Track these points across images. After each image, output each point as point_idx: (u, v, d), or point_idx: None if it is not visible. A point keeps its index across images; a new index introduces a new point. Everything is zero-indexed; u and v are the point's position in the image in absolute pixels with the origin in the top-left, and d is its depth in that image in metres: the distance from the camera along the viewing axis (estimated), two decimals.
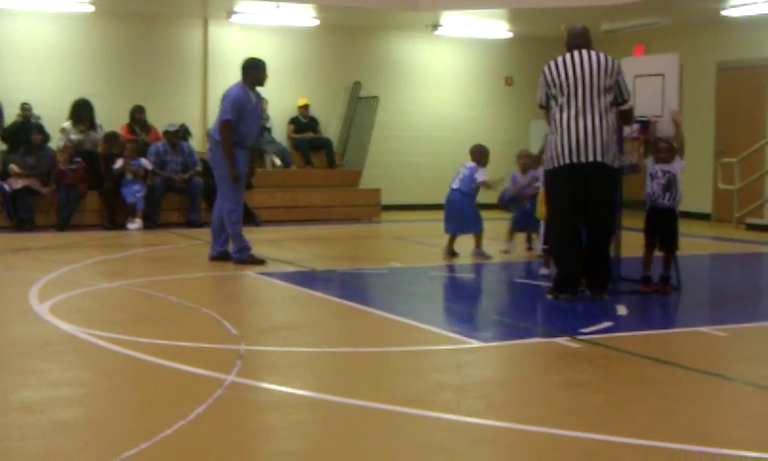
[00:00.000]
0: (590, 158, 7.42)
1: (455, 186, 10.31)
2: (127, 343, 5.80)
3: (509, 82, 18.40)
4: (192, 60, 15.96)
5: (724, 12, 14.52)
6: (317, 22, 16.19)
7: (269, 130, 15.67)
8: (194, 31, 15.96)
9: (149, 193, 13.48)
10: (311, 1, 14.74)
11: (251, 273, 8.97)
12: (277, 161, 15.68)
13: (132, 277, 8.66)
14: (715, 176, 15.30)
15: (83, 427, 4.27)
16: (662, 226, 8.07)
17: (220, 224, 9.69)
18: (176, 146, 14.04)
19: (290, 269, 9.33)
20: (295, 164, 16.01)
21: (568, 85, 7.49)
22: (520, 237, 10.70)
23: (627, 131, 8.09)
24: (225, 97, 9.49)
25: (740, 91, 15.63)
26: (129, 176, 13.41)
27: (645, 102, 8.13)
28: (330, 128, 16.89)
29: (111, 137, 13.75)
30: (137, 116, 14.56)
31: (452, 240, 10.27)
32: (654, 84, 8.26)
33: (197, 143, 15.20)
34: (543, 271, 8.91)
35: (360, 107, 16.77)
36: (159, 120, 14.62)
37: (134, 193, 13.34)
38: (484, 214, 10.28)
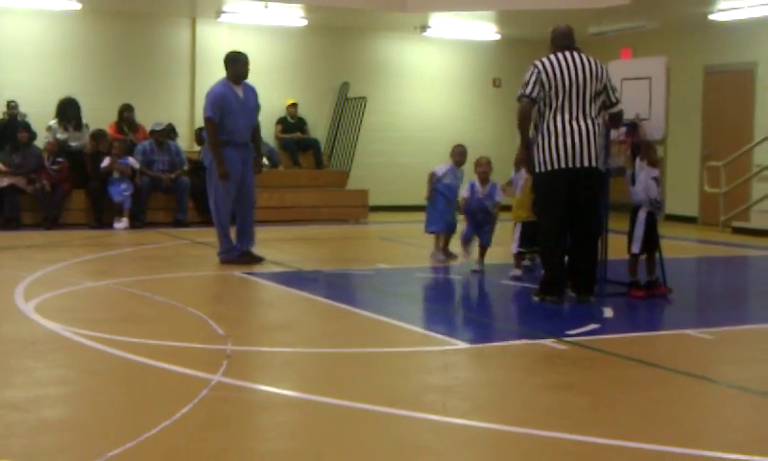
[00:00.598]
0: (585, 164, 7.46)
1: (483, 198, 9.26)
2: (112, 342, 5.78)
3: (497, 83, 18.43)
4: (180, 60, 15.94)
5: (711, 16, 14.58)
6: (305, 22, 16.19)
7: None
8: (182, 30, 15.94)
9: (136, 192, 13.45)
10: (299, 1, 14.74)
11: (238, 273, 8.95)
12: (265, 161, 15.66)
13: (118, 276, 8.63)
14: (701, 179, 15.36)
15: (67, 426, 4.25)
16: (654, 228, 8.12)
17: (238, 220, 9.62)
18: (163, 145, 14.02)
19: (277, 269, 9.32)
20: (282, 164, 16.00)
21: (564, 88, 7.47)
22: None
23: (614, 134, 8.11)
24: (207, 95, 9.45)
25: (727, 95, 15.69)
26: (116, 175, 13.38)
27: (632, 105, 8.15)
28: (318, 128, 16.89)
29: (99, 136, 13.71)
30: (125, 115, 14.53)
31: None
32: (641, 87, 8.28)
33: (184, 143, 15.19)
34: (516, 272, 8.93)
35: (348, 107, 16.77)
36: (147, 119, 14.59)
37: (121, 192, 13.31)
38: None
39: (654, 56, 9.37)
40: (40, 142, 13.67)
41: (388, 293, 8.32)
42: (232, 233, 9.65)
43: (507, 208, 9.43)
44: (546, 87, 7.50)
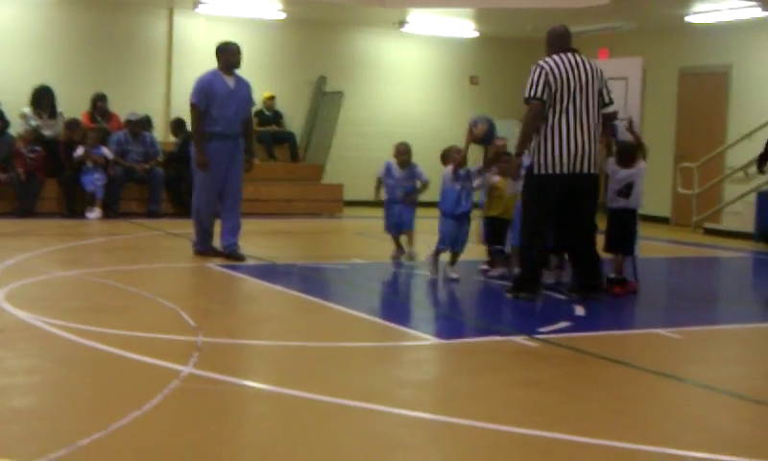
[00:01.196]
0: (585, 170, 7.50)
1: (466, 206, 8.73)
2: (83, 332, 5.75)
3: (474, 81, 18.47)
4: (156, 50, 15.86)
5: (687, 18, 14.68)
6: (283, 15, 16.15)
7: None
8: (159, 20, 15.85)
9: (109, 182, 13.37)
10: None
11: (211, 265, 8.93)
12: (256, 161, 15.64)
13: (89, 266, 8.59)
14: (675, 180, 15.47)
15: (37, 416, 4.23)
16: (624, 228, 8.18)
17: (224, 214, 9.42)
18: (137, 136, 13.96)
19: (251, 262, 9.30)
20: (257, 157, 15.94)
21: (569, 91, 7.43)
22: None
23: None
24: (195, 82, 9.31)
25: (701, 97, 15.81)
26: (89, 164, 13.30)
27: None
28: (294, 122, 16.86)
29: (73, 124, 13.63)
30: (99, 104, 14.44)
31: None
32: (617, 87, 8.33)
33: (159, 134, 15.11)
34: (496, 271, 8.89)
35: (325, 101, 16.75)
36: (122, 109, 14.51)
37: (94, 181, 13.23)
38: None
39: (630, 56, 9.42)
40: (13, 130, 13.56)
41: (362, 288, 8.32)
42: (217, 228, 9.45)
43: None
44: (552, 89, 7.42)
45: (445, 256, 8.70)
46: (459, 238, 8.58)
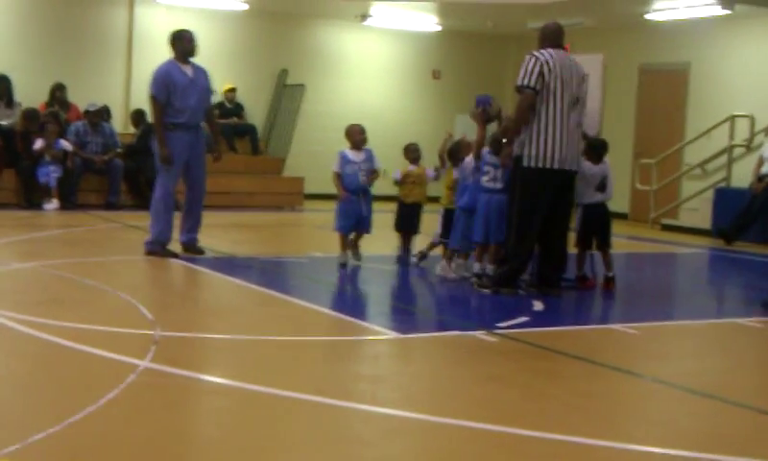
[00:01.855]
0: (570, 166, 7.64)
1: (499, 186, 8.02)
2: (38, 325, 5.68)
3: (436, 75, 18.50)
4: (116, 40, 15.70)
5: (647, 16, 14.81)
6: (245, 7, 16.07)
7: None
8: (119, 10, 15.70)
9: (67, 173, 13.22)
10: None
11: (170, 258, 8.84)
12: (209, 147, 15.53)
13: (46, 258, 8.49)
14: (633, 176, 15.61)
15: None
16: (603, 223, 8.30)
17: (186, 207, 9.19)
18: (97, 127, 13.82)
19: (210, 255, 9.24)
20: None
21: (561, 86, 7.51)
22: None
23: None
24: (152, 74, 9.04)
25: (660, 94, 15.97)
26: (47, 157, 13.14)
27: None
28: (255, 114, 16.78)
29: (30, 115, 13.45)
30: (57, 94, 14.28)
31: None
32: None
33: (119, 124, 14.97)
34: (484, 267, 8.28)
35: (286, 94, 16.69)
36: (81, 99, 14.36)
37: (48, 173, 13.06)
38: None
39: (591, 53, 9.48)
40: None
41: (320, 281, 8.31)
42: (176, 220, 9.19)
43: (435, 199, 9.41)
44: (546, 80, 7.46)
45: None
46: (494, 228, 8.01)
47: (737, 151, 14.53)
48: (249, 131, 16.41)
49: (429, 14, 16.67)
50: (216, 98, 15.97)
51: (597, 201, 8.22)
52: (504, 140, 7.89)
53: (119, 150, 13.96)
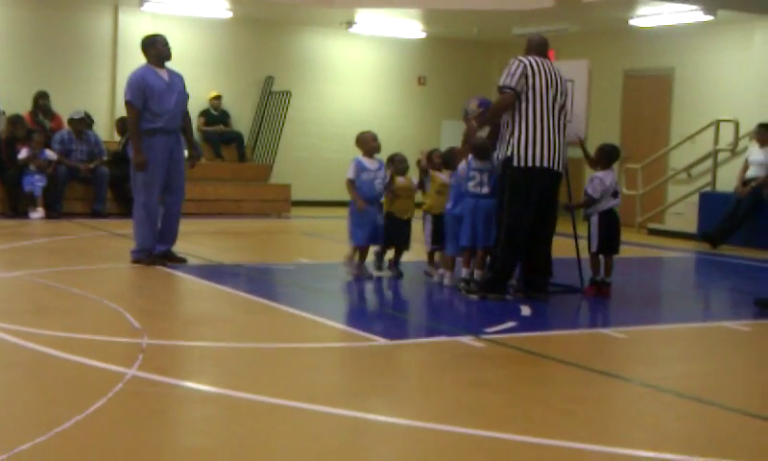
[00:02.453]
0: (557, 167, 7.68)
1: (486, 191, 7.97)
2: (24, 334, 5.65)
3: (422, 82, 18.52)
4: (101, 48, 15.66)
5: (632, 22, 14.86)
6: (230, 14, 16.05)
7: None
8: (104, 17, 15.66)
9: (51, 182, 13.16)
10: None
11: (157, 266, 8.81)
12: (186, 153, 15.47)
13: (32, 267, 8.45)
14: (619, 181, 15.64)
15: None
16: (617, 228, 8.42)
17: (164, 214, 8.97)
18: (81, 134, 13.78)
19: (197, 263, 9.22)
20: (204, 157, 15.84)
21: (547, 91, 7.60)
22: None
23: None
24: (127, 79, 8.92)
25: (645, 99, 16.03)
26: (32, 167, 13.09)
27: None
28: (242, 121, 16.76)
29: (15, 121, 13.39)
30: (41, 102, 14.22)
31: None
32: None
33: (104, 132, 14.93)
34: (471, 273, 8.19)
35: (272, 101, 16.68)
36: (65, 107, 14.31)
37: (34, 182, 13.01)
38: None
39: (576, 58, 9.50)
40: None
41: (308, 288, 8.30)
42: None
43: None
44: (530, 82, 7.56)
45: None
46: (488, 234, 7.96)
47: (722, 155, 14.58)
48: (235, 138, 16.39)
49: (414, 21, 16.70)
50: (202, 105, 16.04)
51: (611, 206, 8.30)
52: (477, 125, 8.05)
53: (104, 158, 13.91)
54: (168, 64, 9.03)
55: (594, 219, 8.27)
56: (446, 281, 8.39)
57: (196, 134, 15.86)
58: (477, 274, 8.01)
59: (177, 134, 8.98)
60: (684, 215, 14.58)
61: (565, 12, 14.25)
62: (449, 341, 6.18)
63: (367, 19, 16.43)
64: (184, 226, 9.29)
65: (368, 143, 8.79)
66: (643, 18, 14.66)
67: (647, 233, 14.62)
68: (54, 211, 13.09)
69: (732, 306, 8.79)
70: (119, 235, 11.20)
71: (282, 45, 17.17)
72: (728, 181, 13.90)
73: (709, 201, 13.88)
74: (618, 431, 4.42)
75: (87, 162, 13.67)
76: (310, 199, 16.86)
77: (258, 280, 8.66)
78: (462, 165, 8.19)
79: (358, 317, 7.39)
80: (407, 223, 8.78)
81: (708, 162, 14.76)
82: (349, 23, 16.62)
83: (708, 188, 14.55)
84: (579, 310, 7.99)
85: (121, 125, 14.38)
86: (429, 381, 5.21)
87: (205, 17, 16.08)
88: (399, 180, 8.78)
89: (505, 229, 7.67)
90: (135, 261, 8.87)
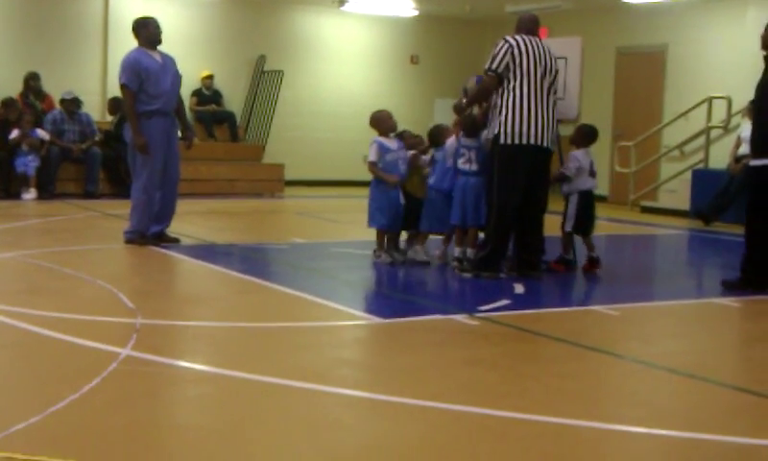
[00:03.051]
0: (546, 144, 7.68)
1: (475, 168, 7.97)
2: (18, 315, 5.65)
3: (414, 60, 18.48)
4: (92, 28, 15.58)
5: None
6: None
7: None
8: None
9: (44, 163, 13.13)
10: None
11: (150, 246, 8.80)
12: (179, 134, 15.43)
13: (25, 247, 8.44)
14: (612, 159, 15.67)
15: None
16: (593, 207, 8.43)
17: (160, 194, 8.91)
18: (73, 115, 13.73)
19: (190, 243, 9.21)
20: (197, 137, 15.77)
21: (535, 68, 7.60)
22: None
23: None
24: (121, 63, 8.91)
25: (638, 76, 16.01)
26: (24, 147, 13.05)
27: None
28: (234, 101, 16.72)
29: (8, 103, 13.35)
30: (31, 83, 14.16)
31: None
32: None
33: (95, 112, 14.87)
34: (464, 251, 8.18)
35: (264, 80, 16.63)
36: (56, 88, 14.26)
37: (26, 163, 12.97)
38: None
39: (568, 36, 9.49)
40: None
41: (302, 268, 8.30)
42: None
43: None
44: (517, 61, 7.57)
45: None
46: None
47: (715, 132, 14.59)
48: (227, 118, 16.35)
49: None
50: (194, 85, 15.98)
51: (589, 187, 8.30)
52: (465, 105, 8.14)
53: (96, 138, 13.87)
54: (159, 46, 8.99)
55: (574, 198, 8.27)
56: (420, 257, 8.36)
57: (188, 114, 15.83)
58: (470, 252, 8.02)
59: (172, 116, 8.96)
60: (676, 192, 14.59)
61: None
62: (443, 319, 6.19)
63: None
64: (178, 206, 9.26)
65: (385, 122, 8.42)
66: None
67: (640, 211, 14.65)
68: (46, 192, 13.06)
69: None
70: (112, 216, 11.19)
71: (274, 24, 17.10)
72: (720, 158, 13.92)
73: (702, 178, 13.90)
74: (612, 408, 4.44)
75: (80, 143, 13.63)
76: (303, 178, 16.84)
77: (252, 260, 8.66)
78: (450, 141, 8.18)
79: (351, 296, 7.39)
80: (422, 202, 8.37)
81: (701, 140, 14.77)
82: (342, 1, 16.57)
83: (700, 165, 14.56)
84: (572, 288, 8.00)
85: (113, 105, 14.33)
86: (423, 359, 5.22)
87: None
88: (423, 158, 8.54)
89: (495, 207, 7.69)
90: (128, 242, 8.86)
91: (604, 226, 12.60)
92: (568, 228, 8.26)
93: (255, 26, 16.90)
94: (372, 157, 8.25)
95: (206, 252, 8.81)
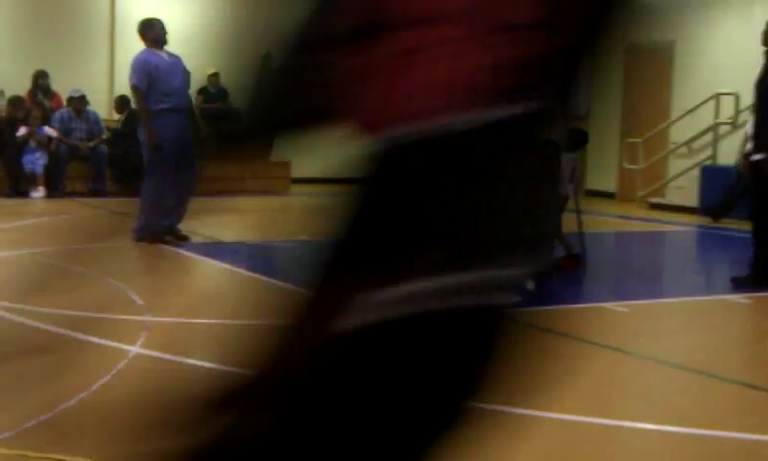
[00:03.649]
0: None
1: None
2: (28, 313, 5.66)
3: None
4: (99, 26, 15.59)
5: None
6: None
7: None
8: None
9: (52, 161, 13.16)
10: None
11: (158, 244, 8.80)
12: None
13: (34, 246, 8.45)
14: (621, 155, 15.64)
15: None
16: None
17: (176, 191, 8.93)
18: (81, 113, 13.75)
19: (199, 241, 9.22)
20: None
21: None
22: None
23: None
24: (130, 65, 8.98)
25: (646, 72, 15.95)
26: (32, 144, 13.08)
27: None
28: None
29: (16, 102, 13.38)
30: (40, 82, 14.19)
31: None
32: None
33: (103, 111, 14.89)
34: None
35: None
36: (64, 86, 14.27)
37: (34, 161, 13.00)
38: None
39: None
40: None
41: (310, 265, 8.28)
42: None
43: None
44: None
45: None
46: None
47: (723, 129, 14.56)
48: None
49: None
50: (200, 83, 15.98)
51: (564, 192, 8.24)
52: None
53: (104, 136, 13.90)
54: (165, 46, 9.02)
55: None
56: None
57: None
58: None
59: (186, 114, 8.99)
60: (685, 189, 14.56)
61: None
62: None
63: None
64: None
65: None
66: None
67: (648, 207, 14.61)
68: (55, 190, 13.09)
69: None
70: (119, 213, 11.20)
71: (280, 20, 17.06)
72: (729, 154, 13.88)
73: (711, 174, 13.86)
74: (620, 404, 4.43)
75: (87, 141, 13.65)
76: (311, 176, 16.82)
77: (260, 258, 8.67)
78: None
79: None
80: None
81: (709, 136, 14.74)
82: None
83: (708, 162, 14.53)
84: (581, 284, 7.99)
85: (120, 103, 14.36)
86: None
87: None
88: None
89: None
90: (137, 239, 8.87)
91: (612, 223, 12.60)
92: None
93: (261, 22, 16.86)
94: None
95: (215, 249, 8.82)
